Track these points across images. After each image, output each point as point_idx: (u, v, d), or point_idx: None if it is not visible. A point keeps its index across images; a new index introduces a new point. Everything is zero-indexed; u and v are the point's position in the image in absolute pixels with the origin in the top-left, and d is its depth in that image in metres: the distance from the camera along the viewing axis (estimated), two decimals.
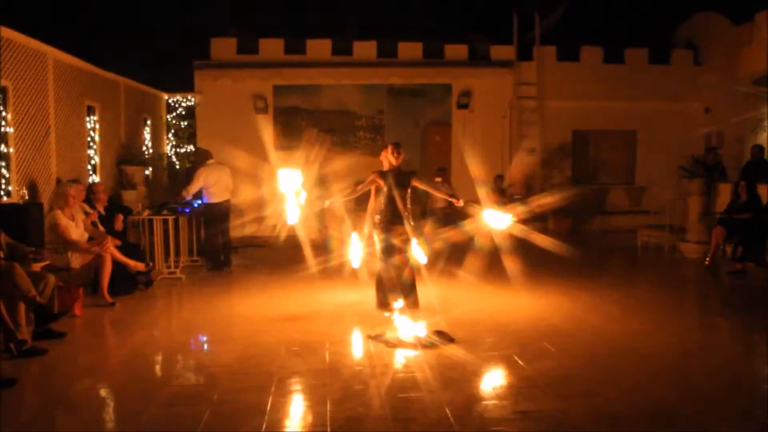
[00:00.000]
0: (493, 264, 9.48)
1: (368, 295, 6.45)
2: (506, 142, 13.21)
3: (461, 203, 6.28)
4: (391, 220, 6.08)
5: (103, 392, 4.31)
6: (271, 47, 12.73)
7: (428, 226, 10.06)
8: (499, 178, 12.71)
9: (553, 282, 7.96)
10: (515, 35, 13.20)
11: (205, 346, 5.50)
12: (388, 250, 6.06)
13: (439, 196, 6.44)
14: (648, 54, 13.57)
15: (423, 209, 11.91)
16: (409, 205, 6.17)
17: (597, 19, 14.05)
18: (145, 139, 12.05)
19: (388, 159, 6.15)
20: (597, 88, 13.24)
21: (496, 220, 5.94)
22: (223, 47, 12.65)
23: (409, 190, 6.16)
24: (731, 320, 6.30)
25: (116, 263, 6.74)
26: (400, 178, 6.11)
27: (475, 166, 12.86)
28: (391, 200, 6.06)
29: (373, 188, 6.23)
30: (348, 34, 12.59)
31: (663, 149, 12.97)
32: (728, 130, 12.42)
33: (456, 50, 12.98)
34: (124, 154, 10.59)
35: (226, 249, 9.06)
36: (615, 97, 13.32)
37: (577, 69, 13.38)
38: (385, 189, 6.08)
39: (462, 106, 12.99)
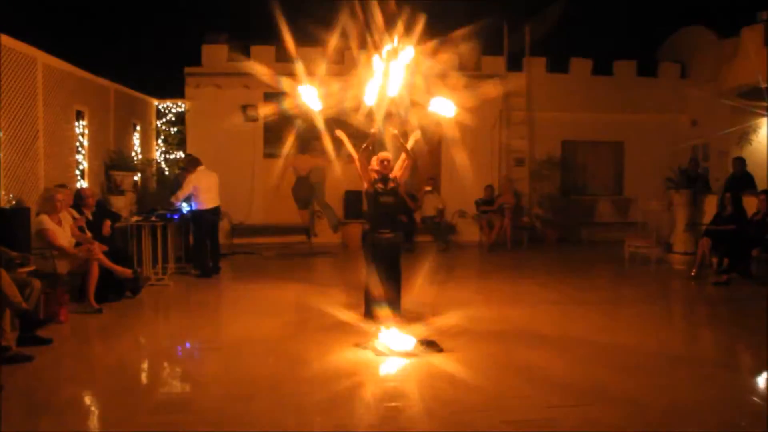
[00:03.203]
0: (477, 271, 9.52)
1: (358, 304, 6.45)
2: (496, 152, 13.29)
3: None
4: (378, 227, 6.09)
5: (88, 399, 4.27)
6: (263, 55, 12.75)
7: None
8: (489, 188, 12.79)
9: (540, 291, 8.01)
10: (505, 46, 13.31)
11: (193, 354, 5.47)
12: (377, 257, 6.06)
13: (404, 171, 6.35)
14: (636, 67, 13.73)
15: (410, 218, 11.95)
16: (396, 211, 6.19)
17: (586, 32, 14.19)
18: (134, 144, 11.99)
19: (376, 166, 6.19)
20: (586, 99, 13.36)
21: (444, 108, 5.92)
22: (214, 54, 12.64)
23: (396, 196, 6.17)
24: (717, 331, 6.36)
25: (103, 269, 6.69)
26: (387, 184, 6.15)
27: (464, 175, 12.95)
28: (378, 206, 6.09)
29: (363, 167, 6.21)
30: (339, 44, 12.60)
31: (650, 161, 13.11)
32: (714, 142, 12.58)
33: (446, 61, 13.04)
34: (113, 160, 10.52)
35: (215, 255, 9.03)
36: (603, 108, 13.45)
37: (566, 80, 13.50)
38: (372, 192, 6.12)
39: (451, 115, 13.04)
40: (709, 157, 12.82)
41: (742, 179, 9.82)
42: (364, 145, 6.18)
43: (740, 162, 10.10)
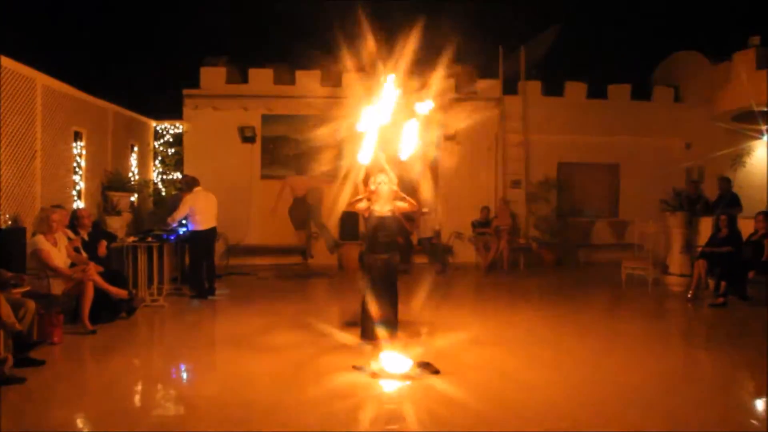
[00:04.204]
0: (474, 292, 9.48)
1: (355, 325, 6.42)
2: (492, 174, 13.35)
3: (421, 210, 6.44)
4: (375, 248, 6.08)
5: (81, 422, 4.22)
6: (261, 78, 12.86)
7: None
8: (485, 209, 12.83)
9: (536, 313, 7.98)
10: (501, 70, 13.46)
11: (187, 376, 5.42)
12: (374, 278, 6.05)
13: (409, 205, 6.35)
14: (630, 90, 13.89)
15: (408, 239, 11.95)
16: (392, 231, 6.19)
17: (580, 56, 14.39)
18: (131, 165, 12.02)
19: (371, 187, 6.21)
20: (581, 122, 13.48)
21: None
22: (213, 77, 12.75)
23: (393, 214, 6.18)
24: (714, 353, 6.33)
25: (98, 290, 6.65)
26: (384, 204, 6.16)
27: (460, 197, 13.00)
28: (375, 227, 6.08)
29: (362, 207, 6.23)
30: (337, 66, 12.73)
31: (646, 183, 13.18)
32: (708, 165, 12.68)
33: (442, 83, 13.17)
34: (110, 180, 10.54)
35: (210, 277, 8.99)
36: (598, 131, 13.56)
37: (561, 104, 13.63)
38: (367, 214, 6.14)
39: (448, 138, 13.14)
40: (703, 180, 12.90)
41: (729, 199, 9.89)
42: (362, 198, 6.19)
43: (726, 182, 10.17)
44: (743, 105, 11.02)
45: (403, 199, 6.24)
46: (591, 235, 13.71)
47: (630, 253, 11.39)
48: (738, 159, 11.90)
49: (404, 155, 6.05)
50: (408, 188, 6.58)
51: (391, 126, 6.06)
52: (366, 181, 6.23)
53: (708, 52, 13.08)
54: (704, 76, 12.97)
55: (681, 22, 14.86)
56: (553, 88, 13.74)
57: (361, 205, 6.18)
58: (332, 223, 12.68)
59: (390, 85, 5.99)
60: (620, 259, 10.78)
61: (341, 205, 11.62)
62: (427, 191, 12.58)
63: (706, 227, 9.73)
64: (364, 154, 5.99)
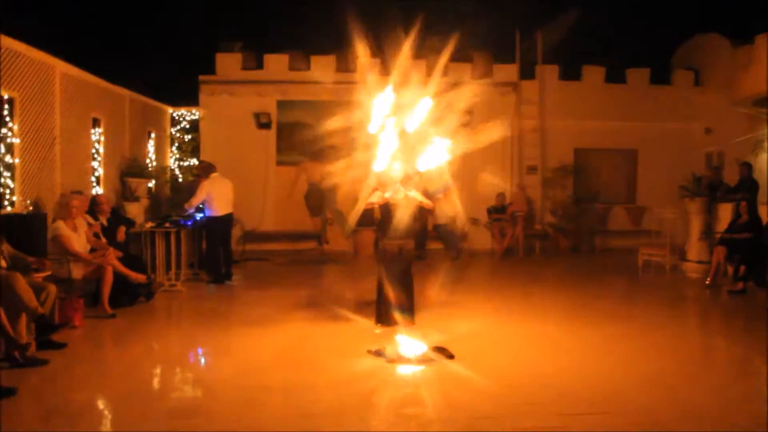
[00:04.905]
0: (489, 279, 9.48)
1: (369, 311, 6.46)
2: (508, 159, 13.26)
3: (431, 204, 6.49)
4: (390, 234, 6.10)
5: (101, 404, 4.31)
6: (276, 63, 12.86)
7: None
8: (501, 195, 12.77)
9: (552, 299, 7.96)
10: (518, 54, 13.31)
11: (205, 359, 5.50)
12: (389, 264, 6.07)
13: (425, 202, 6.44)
14: (649, 74, 13.67)
15: (423, 225, 11.95)
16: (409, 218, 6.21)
17: (598, 40, 14.17)
18: (148, 151, 12.13)
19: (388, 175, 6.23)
20: (598, 107, 13.31)
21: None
22: (228, 63, 12.77)
23: (407, 200, 6.20)
24: (733, 340, 6.28)
25: (117, 275, 6.75)
26: (399, 191, 6.18)
27: (476, 183, 12.93)
28: (390, 213, 6.10)
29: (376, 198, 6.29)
30: (352, 51, 12.67)
31: (664, 169, 13.02)
32: (729, 150, 12.47)
33: (459, 69, 13.09)
34: (128, 167, 10.65)
35: (227, 262, 9.08)
36: (616, 116, 13.39)
37: (578, 88, 13.47)
38: (383, 201, 6.16)
39: (464, 124, 13.04)
40: (723, 165, 12.71)
41: (749, 184, 9.74)
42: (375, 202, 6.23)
43: (747, 167, 10.01)
44: (764, 89, 10.79)
45: (420, 202, 6.28)
46: (608, 222, 13.59)
47: (647, 240, 11.29)
48: (759, 144, 11.69)
49: (423, 167, 6.07)
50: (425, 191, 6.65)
51: (413, 135, 6.07)
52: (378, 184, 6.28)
53: (729, 35, 12.80)
54: (725, 59, 12.71)
55: (701, 4, 14.55)
56: (571, 73, 13.57)
57: (375, 198, 6.22)
58: (347, 209, 12.72)
59: (424, 103, 6.02)
60: (637, 246, 10.70)
61: (356, 194, 11.70)
62: (443, 177, 12.57)
63: (725, 213, 9.60)
64: (380, 162, 6.00)
